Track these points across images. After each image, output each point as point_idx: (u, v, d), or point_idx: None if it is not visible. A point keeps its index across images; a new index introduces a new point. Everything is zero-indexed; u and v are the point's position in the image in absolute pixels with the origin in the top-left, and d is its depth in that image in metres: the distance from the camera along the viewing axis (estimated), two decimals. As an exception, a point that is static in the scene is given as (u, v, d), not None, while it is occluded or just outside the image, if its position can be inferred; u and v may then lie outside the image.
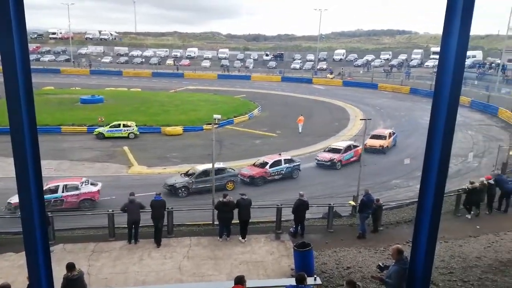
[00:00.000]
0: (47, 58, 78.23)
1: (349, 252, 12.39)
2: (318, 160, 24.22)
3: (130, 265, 11.66)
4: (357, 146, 24.91)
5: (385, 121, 37.26)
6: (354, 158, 24.42)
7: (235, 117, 37.74)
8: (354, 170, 21.89)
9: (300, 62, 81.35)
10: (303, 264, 10.42)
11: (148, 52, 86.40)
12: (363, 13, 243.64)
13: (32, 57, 66.68)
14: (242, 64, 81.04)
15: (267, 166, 21.65)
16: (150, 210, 12.88)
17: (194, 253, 12.34)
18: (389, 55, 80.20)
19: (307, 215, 14.01)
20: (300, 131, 33.35)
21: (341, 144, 25.23)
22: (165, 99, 46.15)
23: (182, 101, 45.35)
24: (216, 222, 13.92)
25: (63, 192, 17.89)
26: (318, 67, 76.70)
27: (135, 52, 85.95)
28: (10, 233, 13.64)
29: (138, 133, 31.06)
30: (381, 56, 79.84)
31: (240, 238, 13.18)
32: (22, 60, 5.26)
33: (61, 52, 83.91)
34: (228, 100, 47.01)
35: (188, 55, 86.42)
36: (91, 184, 18.78)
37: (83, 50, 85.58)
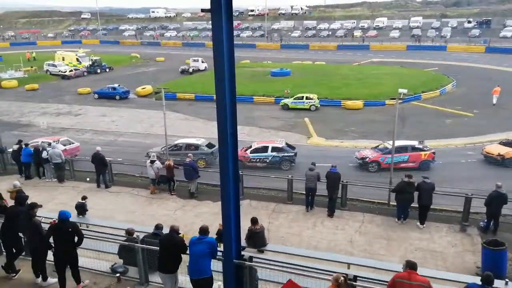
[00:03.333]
0: (245, 34, 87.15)
1: (559, 263, 10.11)
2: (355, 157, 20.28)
3: (305, 229, 12.45)
4: (423, 150, 19.20)
5: None
6: (411, 165, 18.88)
7: (423, 92, 34.50)
8: None
9: (514, 29, 67.69)
10: (493, 265, 9.09)
11: (335, 25, 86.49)
12: None
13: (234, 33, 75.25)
14: (437, 33, 72.60)
15: (248, 151, 20.10)
16: (326, 181, 13.30)
17: (367, 230, 12.25)
18: None
19: (504, 211, 12.01)
20: (494, 102, 30.24)
21: (395, 143, 18.26)
22: (347, 72, 45.64)
23: (365, 74, 44.02)
24: (392, 203, 13.38)
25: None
26: (539, 34, 62.42)
27: (322, 25, 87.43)
28: (210, 184, 16.29)
29: (319, 105, 31.94)
30: None
31: (418, 223, 12.37)
32: (227, 38, 6.04)
33: (257, 28, 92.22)
34: (416, 74, 43.21)
35: (376, 25, 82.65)
36: (65, 144, 20.57)
37: (275, 26, 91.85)
